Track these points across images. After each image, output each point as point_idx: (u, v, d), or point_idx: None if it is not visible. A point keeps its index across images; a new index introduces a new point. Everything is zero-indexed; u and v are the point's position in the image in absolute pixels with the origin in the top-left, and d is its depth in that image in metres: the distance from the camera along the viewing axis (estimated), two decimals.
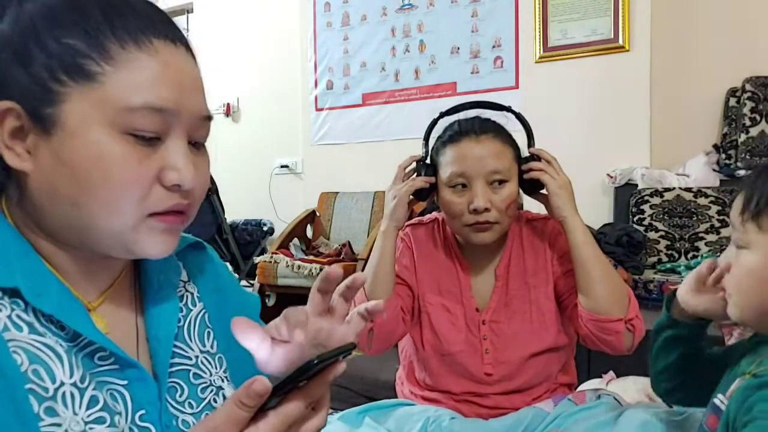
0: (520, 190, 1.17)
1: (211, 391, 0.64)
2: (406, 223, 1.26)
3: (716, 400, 0.74)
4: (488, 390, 1.15)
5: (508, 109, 1.19)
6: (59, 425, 0.49)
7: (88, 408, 0.52)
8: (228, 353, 0.68)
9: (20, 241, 0.54)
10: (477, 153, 1.10)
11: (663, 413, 1.06)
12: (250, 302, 0.75)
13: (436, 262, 1.22)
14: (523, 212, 1.24)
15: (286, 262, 3.19)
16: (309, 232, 3.79)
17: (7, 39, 0.51)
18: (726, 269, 0.73)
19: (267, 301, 3.46)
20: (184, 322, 0.65)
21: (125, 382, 0.56)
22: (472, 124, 1.14)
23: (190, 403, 0.62)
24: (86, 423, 0.51)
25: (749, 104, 2.76)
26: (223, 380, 0.66)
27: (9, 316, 0.51)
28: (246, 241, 3.67)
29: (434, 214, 1.27)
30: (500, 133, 1.14)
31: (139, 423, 0.56)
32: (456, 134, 1.14)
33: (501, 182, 1.10)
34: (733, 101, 2.86)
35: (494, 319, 1.16)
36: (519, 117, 1.19)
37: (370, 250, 3.50)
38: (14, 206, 0.56)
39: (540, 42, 3.21)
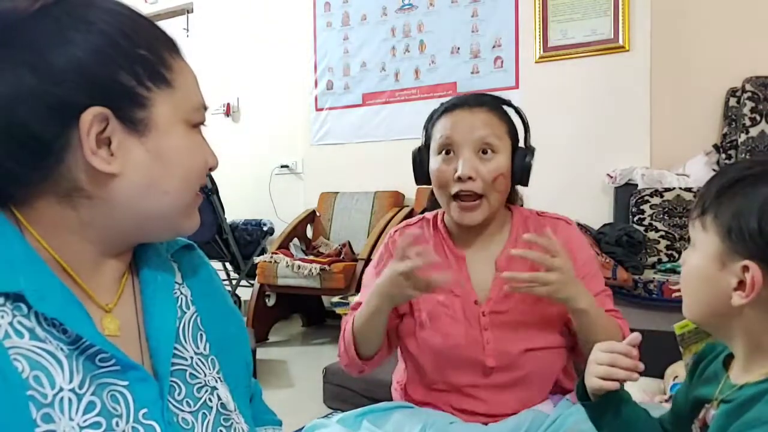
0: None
1: (207, 391, 0.66)
2: (394, 230, 1.24)
3: (693, 428, 0.76)
4: (488, 381, 1.12)
5: (508, 103, 1.18)
6: (54, 431, 0.50)
7: (84, 413, 0.53)
8: (220, 356, 0.70)
9: (25, 246, 0.55)
10: (468, 121, 1.09)
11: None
12: (234, 315, 0.76)
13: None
14: (530, 210, 1.22)
15: (286, 262, 3.19)
16: (309, 232, 3.79)
17: (80, 60, 0.54)
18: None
19: (267, 301, 3.46)
20: (180, 324, 0.67)
21: (126, 383, 0.57)
22: (468, 97, 1.14)
23: (187, 401, 0.63)
24: (81, 428, 0.52)
25: (749, 104, 2.76)
26: (216, 381, 0.67)
27: (10, 323, 0.51)
28: (246, 241, 3.67)
29: (425, 214, 1.26)
30: (496, 108, 1.12)
31: (143, 421, 0.57)
32: (451, 105, 1.13)
33: (490, 152, 1.08)
34: (733, 101, 2.86)
35: (495, 310, 1.13)
36: (518, 111, 1.19)
37: (371, 251, 3.49)
38: (45, 211, 0.57)
39: (540, 42, 3.21)
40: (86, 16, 0.55)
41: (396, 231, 1.24)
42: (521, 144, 1.17)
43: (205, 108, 0.64)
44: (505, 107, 1.18)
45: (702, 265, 0.69)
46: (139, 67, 0.56)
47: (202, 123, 0.64)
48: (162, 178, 0.59)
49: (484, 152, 1.08)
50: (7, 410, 0.48)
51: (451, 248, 1.18)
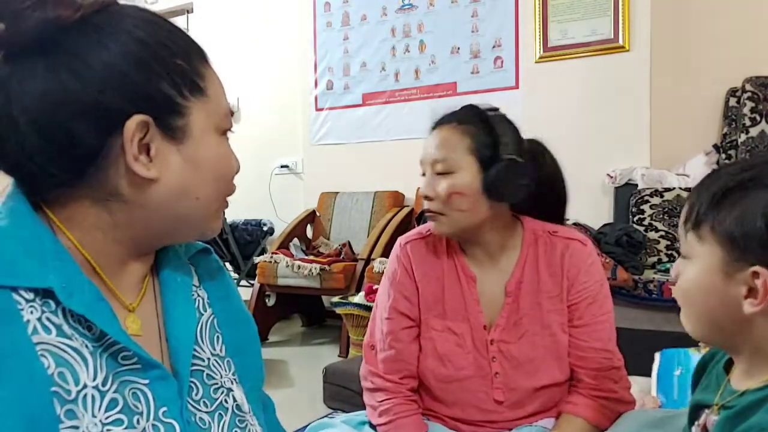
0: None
1: (222, 392, 0.67)
2: (405, 240, 1.20)
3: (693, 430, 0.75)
4: (498, 417, 1.10)
5: (495, 110, 1.12)
6: (77, 428, 0.51)
7: (107, 410, 0.54)
8: (235, 358, 0.71)
9: (56, 244, 0.56)
10: (430, 142, 1.11)
11: (659, 412, 1.07)
12: (249, 319, 0.77)
13: (438, 278, 1.15)
14: (543, 226, 1.15)
15: (286, 262, 3.19)
16: (309, 232, 3.79)
17: (123, 69, 0.55)
18: (674, 282, 0.73)
19: (267, 301, 3.46)
20: (197, 325, 0.68)
21: (147, 381, 0.59)
22: (444, 116, 1.13)
23: (204, 402, 0.64)
24: (104, 425, 0.53)
25: (749, 104, 2.76)
26: (232, 382, 0.69)
27: (39, 318, 0.52)
28: (246, 241, 3.67)
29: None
30: (464, 123, 1.09)
31: (163, 419, 0.59)
32: (432, 126, 1.14)
33: (445, 173, 1.07)
34: (733, 101, 2.86)
35: (503, 339, 1.10)
36: (491, 122, 1.09)
37: (371, 251, 3.48)
38: (79, 212, 0.58)
39: (540, 42, 3.21)
40: (126, 25, 0.57)
41: (407, 243, 1.19)
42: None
43: (232, 113, 0.66)
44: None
45: (703, 278, 0.67)
46: (177, 76, 0.58)
47: (230, 129, 0.65)
48: (195, 183, 0.61)
49: (441, 172, 1.08)
50: (33, 406, 0.49)
51: (463, 267, 1.15)
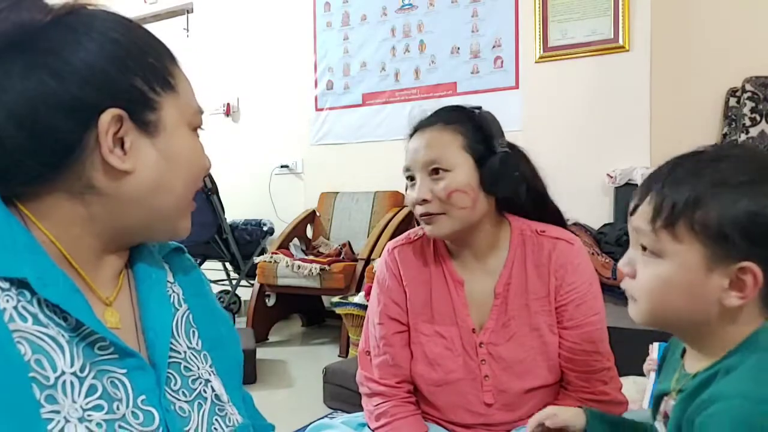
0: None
1: (201, 383, 0.68)
2: (393, 245, 1.20)
3: (657, 423, 0.76)
4: (490, 420, 1.10)
5: (469, 112, 1.13)
6: (58, 412, 0.52)
7: (87, 396, 0.55)
8: (212, 352, 0.73)
9: (29, 238, 0.57)
10: (417, 145, 1.11)
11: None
12: (224, 316, 0.79)
13: (426, 283, 1.15)
14: (531, 225, 1.14)
15: (286, 262, 3.19)
16: (309, 232, 3.79)
17: (99, 65, 0.58)
18: (630, 275, 0.71)
19: (267, 301, 3.47)
20: (173, 319, 0.69)
21: (124, 371, 0.60)
22: (427, 118, 1.13)
23: (183, 392, 0.66)
24: (84, 410, 0.54)
25: (749, 104, 2.76)
26: (210, 374, 0.70)
27: (15, 307, 0.53)
28: (246, 241, 3.67)
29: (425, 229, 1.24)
30: (451, 122, 1.10)
31: (142, 407, 0.60)
32: (412, 130, 1.15)
33: (441, 171, 1.07)
34: (733, 101, 2.86)
35: (492, 341, 1.10)
36: (479, 120, 1.11)
37: (371, 251, 3.49)
38: (54, 206, 0.59)
39: (540, 42, 3.21)
40: (98, 26, 0.59)
41: (395, 248, 1.19)
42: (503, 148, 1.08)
43: (201, 112, 0.68)
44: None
45: (680, 276, 0.66)
46: (149, 73, 0.61)
47: (200, 126, 0.68)
48: (169, 177, 0.63)
49: (436, 172, 1.07)
50: (11, 391, 0.50)
51: (451, 272, 1.14)
